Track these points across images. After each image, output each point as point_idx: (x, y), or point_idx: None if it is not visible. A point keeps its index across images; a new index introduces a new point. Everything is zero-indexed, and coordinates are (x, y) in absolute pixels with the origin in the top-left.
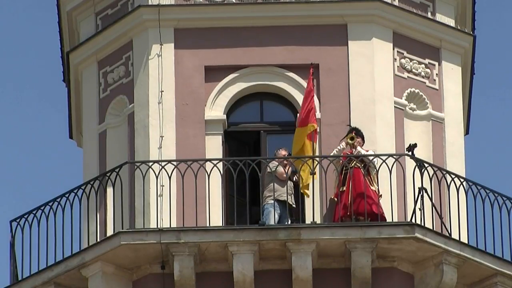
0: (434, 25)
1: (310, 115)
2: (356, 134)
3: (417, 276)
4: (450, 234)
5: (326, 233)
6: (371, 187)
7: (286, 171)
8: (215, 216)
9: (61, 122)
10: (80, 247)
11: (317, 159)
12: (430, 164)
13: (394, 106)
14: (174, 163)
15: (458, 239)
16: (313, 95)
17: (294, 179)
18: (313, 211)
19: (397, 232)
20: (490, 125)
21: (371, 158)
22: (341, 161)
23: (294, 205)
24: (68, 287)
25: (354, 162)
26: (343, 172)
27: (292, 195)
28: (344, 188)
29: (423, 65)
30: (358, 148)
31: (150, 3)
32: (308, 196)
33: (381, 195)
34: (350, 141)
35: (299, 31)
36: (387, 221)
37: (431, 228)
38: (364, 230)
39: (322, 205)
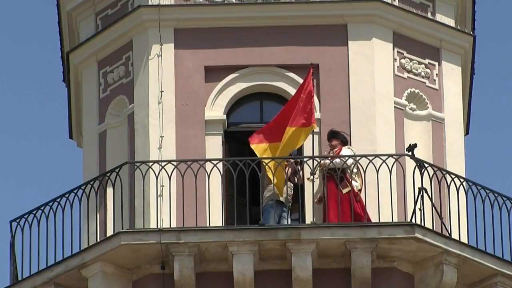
0: (434, 25)
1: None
2: (332, 137)
3: (417, 276)
4: (450, 234)
5: (326, 233)
6: (344, 190)
7: (286, 171)
8: (215, 216)
9: (61, 122)
10: (80, 247)
11: (317, 159)
12: (430, 164)
13: (394, 106)
14: (174, 163)
15: (458, 239)
16: (313, 95)
17: (294, 180)
18: (313, 211)
19: (397, 232)
20: (490, 125)
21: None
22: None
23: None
24: (68, 287)
25: (326, 170)
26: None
27: (292, 196)
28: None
29: (423, 65)
30: (344, 150)
31: (150, 3)
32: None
33: (360, 190)
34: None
35: (299, 31)
36: (387, 221)
37: (431, 228)
38: (364, 230)
39: (322, 205)
